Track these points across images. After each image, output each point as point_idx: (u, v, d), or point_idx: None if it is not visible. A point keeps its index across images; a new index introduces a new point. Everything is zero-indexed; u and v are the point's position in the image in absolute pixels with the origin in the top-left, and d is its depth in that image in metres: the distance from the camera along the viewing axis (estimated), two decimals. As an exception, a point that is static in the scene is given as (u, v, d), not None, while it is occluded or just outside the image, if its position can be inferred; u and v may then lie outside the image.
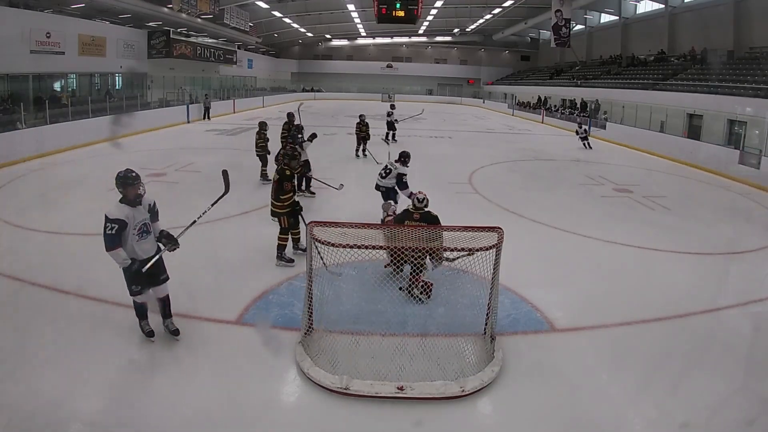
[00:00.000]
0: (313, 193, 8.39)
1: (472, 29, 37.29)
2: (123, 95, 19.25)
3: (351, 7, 30.26)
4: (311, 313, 3.74)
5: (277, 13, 30.89)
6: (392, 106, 15.95)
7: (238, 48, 31.34)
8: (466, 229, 3.65)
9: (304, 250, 4.23)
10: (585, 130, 16.70)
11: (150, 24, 23.32)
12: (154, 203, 3.73)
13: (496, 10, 30.55)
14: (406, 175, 6.54)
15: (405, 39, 42.16)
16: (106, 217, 3.47)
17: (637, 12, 26.12)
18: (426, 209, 4.75)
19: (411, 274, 4.43)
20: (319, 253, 4.19)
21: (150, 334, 3.83)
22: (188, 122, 19.41)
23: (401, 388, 3.30)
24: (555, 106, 26.89)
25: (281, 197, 5.29)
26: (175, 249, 3.72)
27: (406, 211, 4.87)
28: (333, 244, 3.59)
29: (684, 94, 17.04)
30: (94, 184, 8.89)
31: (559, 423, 3.17)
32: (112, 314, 4.20)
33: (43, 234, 6.19)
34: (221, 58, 28.23)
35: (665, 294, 4.99)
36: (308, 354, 3.62)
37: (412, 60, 44.31)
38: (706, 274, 5.75)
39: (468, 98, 39.56)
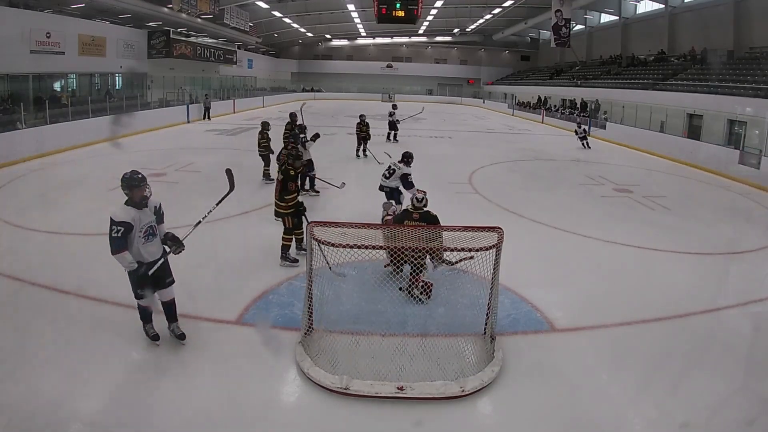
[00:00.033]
0: (318, 192, 8.44)
1: (472, 29, 37.29)
2: (123, 95, 19.25)
3: (351, 7, 30.26)
4: (311, 313, 3.74)
5: (277, 13, 30.90)
6: (394, 106, 15.96)
7: (238, 48, 31.34)
8: (466, 229, 3.64)
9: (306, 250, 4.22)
10: (584, 129, 16.72)
11: (150, 24, 23.32)
12: (160, 205, 3.68)
13: (496, 10, 30.55)
14: (410, 174, 6.56)
15: (405, 39, 42.17)
16: (111, 219, 3.41)
17: (637, 12, 26.12)
18: (425, 209, 4.76)
19: (411, 274, 4.43)
20: (323, 254, 4.20)
21: (155, 337, 3.78)
22: (188, 122, 19.41)
23: (401, 388, 3.30)
24: (555, 106, 26.90)
25: (285, 197, 5.29)
26: (180, 251, 3.69)
27: (405, 210, 4.88)
28: (333, 244, 3.59)
29: (684, 94, 17.04)
30: (94, 184, 8.89)
31: (559, 423, 3.17)
32: (112, 314, 4.20)
33: (43, 234, 6.19)
34: (221, 58, 28.23)
35: (665, 294, 4.99)
36: (308, 354, 3.62)
37: (412, 60, 44.31)
38: (706, 274, 5.75)
39: (468, 98, 39.57)
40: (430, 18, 32.66)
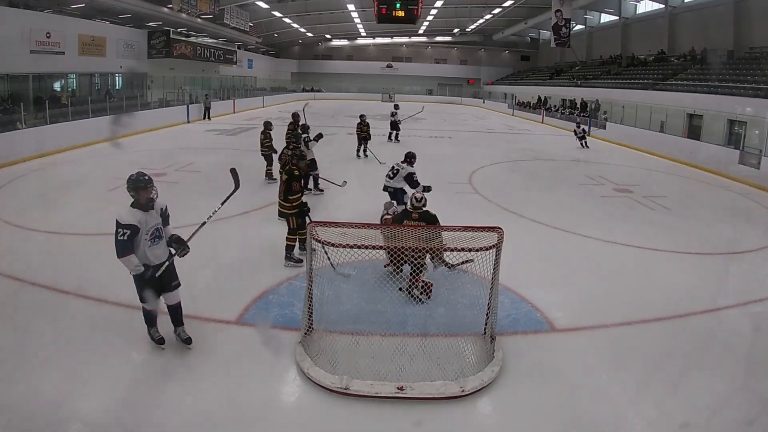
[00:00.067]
0: (322, 190, 8.50)
1: (472, 29, 37.29)
2: (123, 95, 19.25)
3: (351, 7, 30.25)
4: (311, 313, 3.74)
5: (277, 13, 30.89)
6: (396, 106, 15.96)
7: (238, 48, 31.34)
8: (466, 229, 3.65)
9: (313, 250, 4.22)
10: (583, 129, 16.76)
11: (150, 24, 23.32)
12: (166, 207, 3.62)
13: (496, 10, 30.55)
14: (415, 173, 6.57)
15: (405, 39, 42.16)
16: (117, 222, 3.35)
17: (637, 12, 26.12)
18: (424, 208, 4.77)
19: (411, 274, 4.43)
20: (327, 254, 4.19)
21: (160, 341, 3.73)
22: (188, 122, 19.41)
23: (401, 388, 3.30)
24: (555, 106, 26.90)
25: (290, 197, 5.29)
26: (185, 254, 3.63)
27: (405, 210, 4.90)
28: (333, 244, 3.59)
29: (684, 94, 17.04)
30: (94, 184, 8.90)
31: (559, 423, 3.17)
32: (112, 314, 4.20)
33: (43, 234, 6.19)
34: (221, 58, 28.23)
35: (665, 294, 4.99)
36: (308, 354, 3.62)
37: (412, 60, 44.31)
38: (706, 274, 5.75)
39: (468, 98, 39.56)
40: (430, 18, 32.65)
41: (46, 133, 11.73)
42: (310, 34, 39.18)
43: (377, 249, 3.68)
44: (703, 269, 5.89)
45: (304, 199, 5.46)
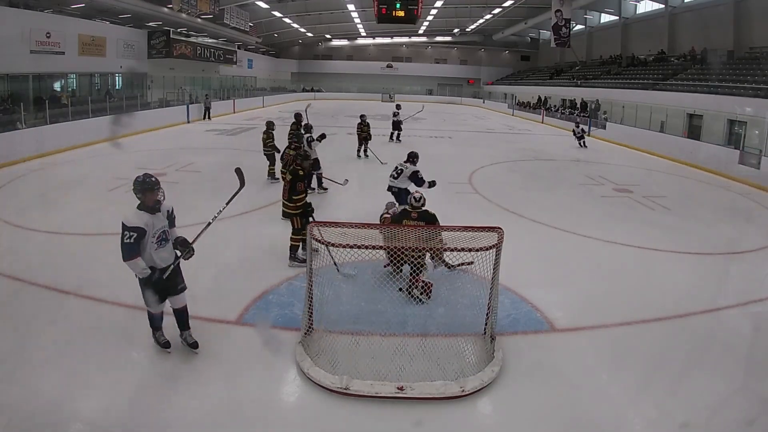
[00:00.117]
0: (326, 189, 8.55)
1: (472, 29, 37.29)
2: (123, 95, 19.25)
3: (351, 7, 30.26)
4: (311, 313, 3.74)
5: (277, 13, 30.90)
6: (398, 106, 15.97)
7: (238, 48, 31.34)
8: (466, 229, 3.65)
9: (316, 251, 4.23)
10: (582, 129, 16.78)
11: (150, 24, 23.32)
12: (172, 209, 3.57)
13: (496, 10, 30.55)
14: (419, 170, 6.62)
15: (405, 39, 42.17)
16: (123, 225, 3.29)
17: (637, 12, 26.12)
18: (423, 208, 4.79)
19: (411, 274, 4.43)
20: (331, 255, 4.19)
21: (166, 345, 3.68)
22: (188, 122, 19.42)
23: (401, 388, 3.30)
24: (555, 106, 26.90)
25: (294, 198, 5.28)
26: (190, 257, 3.58)
27: (404, 210, 4.92)
28: (333, 244, 3.60)
29: (684, 94, 17.04)
30: (94, 184, 8.90)
31: (559, 423, 3.17)
32: (112, 314, 4.20)
33: (43, 234, 6.19)
34: (221, 58, 28.23)
35: (665, 294, 4.99)
36: (308, 354, 3.62)
37: (412, 60, 44.32)
38: (706, 274, 5.75)
39: (468, 98, 39.58)
40: (430, 18, 32.66)
41: (46, 133, 11.73)
42: (310, 34, 39.19)
43: (377, 249, 3.68)
44: (703, 269, 5.89)
45: (308, 199, 5.46)
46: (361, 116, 12.24)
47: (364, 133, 12.17)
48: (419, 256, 4.17)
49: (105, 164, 10.69)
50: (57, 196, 7.98)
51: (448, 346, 3.70)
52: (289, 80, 41.50)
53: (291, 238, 5.37)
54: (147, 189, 3.37)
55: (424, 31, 38.21)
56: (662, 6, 23.07)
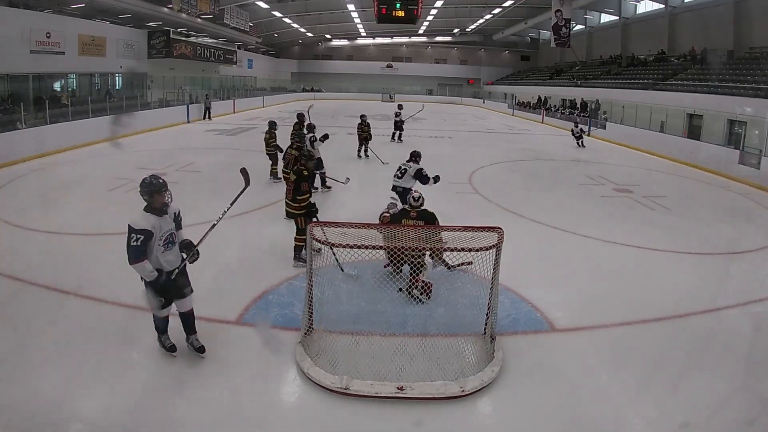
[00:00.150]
0: (329, 187, 8.62)
1: (472, 29, 37.29)
2: (123, 95, 19.25)
3: (351, 7, 30.26)
4: (311, 313, 3.74)
5: (277, 13, 30.90)
6: (400, 106, 15.98)
7: (238, 48, 31.34)
8: (466, 229, 3.65)
9: (318, 251, 4.23)
10: (581, 129, 16.80)
11: (150, 24, 23.32)
12: (179, 211, 3.53)
13: (496, 10, 30.55)
14: (423, 168, 6.68)
15: (405, 39, 42.16)
16: (129, 227, 3.23)
17: (637, 12, 26.12)
18: (422, 207, 4.81)
19: (410, 274, 4.44)
20: (335, 256, 4.18)
21: (172, 348, 3.64)
22: (188, 122, 19.42)
23: (401, 388, 3.30)
24: (555, 106, 26.90)
25: (298, 198, 5.28)
26: (195, 260, 3.53)
27: (403, 209, 4.95)
28: (333, 244, 3.60)
29: (684, 94, 17.04)
30: (94, 184, 8.89)
31: (559, 423, 3.17)
32: (112, 314, 4.20)
33: (43, 234, 6.19)
34: (221, 58, 28.23)
35: (665, 294, 4.99)
36: (308, 354, 3.62)
37: (412, 60, 44.31)
38: (706, 274, 5.75)
39: (468, 98, 39.58)
40: (430, 18, 32.65)
41: (46, 133, 11.73)
42: (310, 34, 39.19)
43: (377, 249, 3.68)
44: (703, 269, 5.89)
45: (312, 199, 5.46)
46: (362, 116, 12.24)
47: (364, 134, 12.17)
48: (419, 256, 4.17)
49: (105, 164, 10.69)
50: (57, 196, 7.98)
51: (448, 346, 3.70)
52: (289, 80, 41.49)
53: (295, 238, 5.36)
54: (155, 190, 3.31)
55: (424, 31, 38.21)
56: (662, 6, 23.07)
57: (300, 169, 5.36)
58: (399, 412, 3.20)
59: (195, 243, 3.55)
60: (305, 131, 8.90)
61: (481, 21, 33.98)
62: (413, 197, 4.87)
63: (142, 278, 3.39)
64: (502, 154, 14.38)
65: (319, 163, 8.26)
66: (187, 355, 3.68)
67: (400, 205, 6.28)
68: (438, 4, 28.14)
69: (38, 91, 16.01)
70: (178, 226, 3.54)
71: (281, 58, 42.55)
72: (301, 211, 5.30)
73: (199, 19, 24.64)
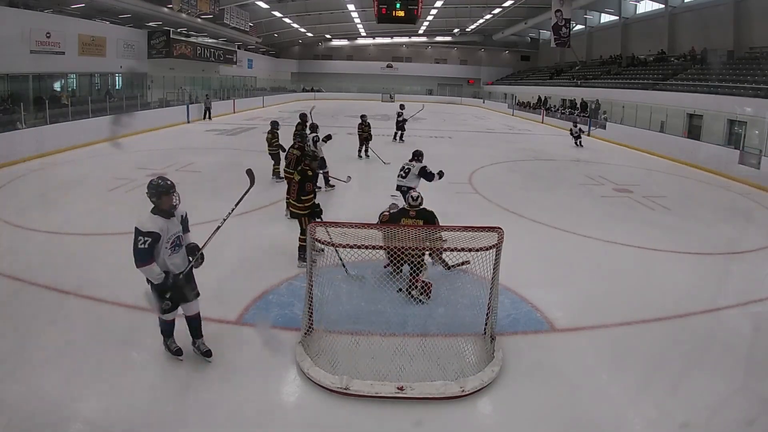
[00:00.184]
0: (333, 186, 8.69)
1: (472, 29, 37.29)
2: (123, 95, 19.25)
3: (351, 7, 30.26)
4: (311, 313, 3.74)
5: (277, 13, 30.90)
6: (402, 106, 15.99)
7: (238, 48, 31.34)
8: (466, 229, 3.65)
9: (321, 251, 4.22)
10: (579, 129, 16.82)
11: (150, 24, 23.32)
12: (186, 214, 3.47)
13: (496, 10, 30.56)
14: (426, 165, 6.72)
15: (405, 39, 42.17)
16: (136, 229, 3.17)
17: (637, 12, 26.12)
18: (421, 206, 4.81)
19: (410, 273, 4.44)
20: (339, 257, 4.16)
21: (178, 352, 3.58)
22: (188, 122, 19.42)
23: (401, 388, 3.30)
24: (555, 106, 26.90)
25: (303, 198, 5.28)
26: (200, 264, 3.49)
27: (402, 209, 4.96)
28: (333, 244, 3.60)
29: (684, 94, 17.04)
30: (94, 184, 8.89)
31: (559, 423, 3.17)
32: (112, 314, 4.20)
33: (43, 234, 6.19)
34: (221, 58, 28.24)
35: (665, 294, 4.99)
36: (308, 354, 3.62)
37: (412, 60, 44.32)
38: (706, 274, 5.75)
39: (468, 98, 39.57)
40: (430, 18, 32.66)
41: (46, 133, 11.73)
42: (310, 34, 39.19)
43: (377, 249, 3.68)
44: (703, 269, 5.89)
45: (316, 200, 5.46)
46: (362, 116, 12.24)
47: (365, 134, 12.17)
48: (418, 256, 4.17)
49: (105, 164, 10.70)
50: (57, 196, 7.98)
51: (448, 346, 3.70)
52: (289, 80, 41.50)
53: (299, 238, 5.36)
54: (163, 192, 3.25)
55: (424, 31, 38.21)
56: (662, 6, 23.08)
57: (305, 170, 5.36)
58: (399, 412, 3.20)
59: (200, 246, 3.49)
60: (308, 131, 8.93)
61: (481, 21, 33.99)
62: (412, 196, 4.88)
63: (148, 280, 3.35)
64: (502, 154, 14.37)
65: (323, 163, 8.30)
66: (187, 356, 3.68)
67: (402, 205, 6.29)
68: (438, 4, 28.14)
69: (38, 91, 16.01)
70: (186, 229, 3.49)
71: (281, 58, 42.56)
72: (305, 212, 5.31)
73: (199, 19, 24.64)
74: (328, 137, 8.70)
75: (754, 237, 7.12)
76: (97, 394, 3.26)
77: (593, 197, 9.40)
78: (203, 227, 3.92)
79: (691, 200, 9.82)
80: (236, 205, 3.71)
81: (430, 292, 4.51)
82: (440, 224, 4.68)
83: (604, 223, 7.47)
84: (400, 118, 15.14)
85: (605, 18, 29.30)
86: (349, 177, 7.93)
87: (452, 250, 3.66)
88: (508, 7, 28.93)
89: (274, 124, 9.42)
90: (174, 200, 3.29)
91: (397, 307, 4.24)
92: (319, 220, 5.16)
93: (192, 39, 24.73)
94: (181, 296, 3.43)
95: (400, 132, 15.20)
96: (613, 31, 28.10)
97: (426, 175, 6.67)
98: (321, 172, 8.20)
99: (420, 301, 4.46)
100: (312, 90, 39.22)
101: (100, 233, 6.19)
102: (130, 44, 21.05)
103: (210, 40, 27.17)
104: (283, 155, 8.68)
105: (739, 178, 11.46)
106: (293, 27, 35.46)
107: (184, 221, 3.47)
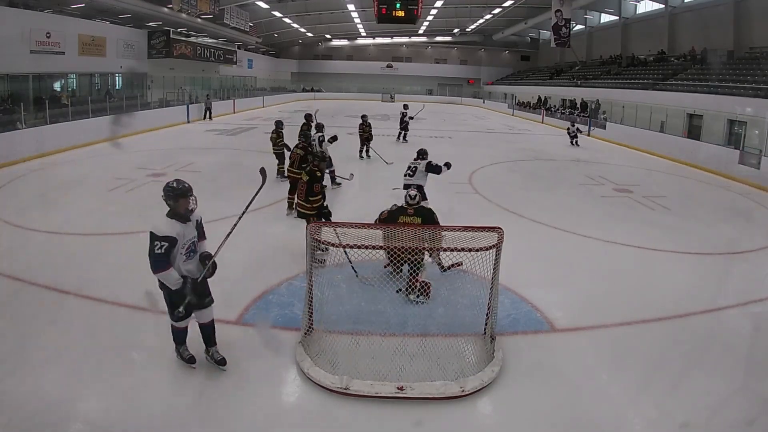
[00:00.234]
0: (339, 184, 8.79)
1: (472, 29, 37.29)
2: (123, 95, 19.26)
3: (351, 7, 30.26)
4: (311, 313, 3.74)
5: (277, 13, 30.90)
6: (405, 106, 16.00)
7: (238, 48, 31.35)
8: (466, 229, 3.65)
9: (325, 250, 4.22)
10: (577, 129, 16.84)
11: (150, 24, 23.33)
12: (201, 219, 3.39)
13: (496, 10, 30.55)
14: (431, 160, 6.78)
15: (405, 39, 42.16)
16: (152, 234, 3.06)
17: (637, 12, 26.13)
18: (419, 205, 4.81)
19: (409, 273, 4.43)
20: (348, 259, 4.15)
21: (191, 360, 3.48)
22: (188, 122, 19.42)
23: (401, 388, 3.30)
24: (555, 106, 26.90)
25: (311, 198, 5.29)
26: (213, 274, 3.37)
27: (400, 207, 4.95)
28: (333, 244, 3.60)
29: (684, 94, 17.04)
30: (94, 184, 8.89)
31: (559, 423, 3.17)
32: (112, 314, 4.20)
33: (43, 234, 6.19)
34: (221, 58, 28.24)
35: (665, 294, 4.98)
36: (308, 354, 3.62)
37: (412, 60, 44.31)
38: (706, 274, 5.75)
39: (468, 98, 39.57)
40: (430, 18, 32.65)
41: (46, 133, 11.73)
42: (310, 34, 39.19)
43: (377, 249, 3.68)
44: (703, 269, 5.89)
45: (325, 202, 5.47)
46: (363, 116, 12.22)
47: (365, 134, 12.15)
48: (417, 254, 4.17)
49: (105, 164, 10.70)
50: (57, 196, 7.98)
51: (448, 346, 3.70)
52: (289, 80, 41.49)
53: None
54: (179, 195, 3.15)
55: (424, 31, 38.21)
56: (662, 6, 23.08)
57: (313, 170, 5.37)
58: (399, 412, 3.19)
59: (212, 255, 3.39)
60: (314, 131, 8.95)
61: (481, 21, 33.99)
62: (409, 195, 4.85)
63: (162, 286, 3.25)
64: (502, 154, 14.37)
65: (329, 162, 8.34)
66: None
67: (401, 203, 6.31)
68: (438, 4, 28.13)
69: (38, 91, 16.02)
70: (201, 236, 3.39)
71: (281, 58, 42.56)
72: (313, 212, 5.32)
73: (199, 19, 24.64)
74: (334, 138, 8.73)
75: (754, 237, 7.11)
76: (97, 394, 3.26)
77: (593, 197, 9.40)
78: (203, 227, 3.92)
79: (691, 200, 9.82)
80: (246, 208, 3.64)
81: (430, 291, 4.51)
82: (440, 223, 4.68)
83: (604, 223, 7.47)
84: (405, 118, 15.15)
85: (605, 18, 29.30)
86: (352, 174, 7.95)
87: (453, 250, 3.66)
88: (508, 7, 28.93)
89: (279, 124, 9.45)
90: (191, 204, 3.20)
91: (397, 307, 4.24)
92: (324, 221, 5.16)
93: (192, 39, 24.73)
94: (196, 303, 3.34)
95: (403, 132, 15.21)
96: (613, 31, 28.10)
97: (433, 168, 6.72)
98: (327, 171, 8.24)
99: (419, 301, 4.46)
100: (312, 90, 39.21)
101: (100, 233, 6.19)
102: (130, 44, 21.05)
103: (210, 40, 27.17)
104: (288, 154, 8.71)
105: (739, 178, 11.46)
106: (293, 27, 35.45)
107: (199, 226, 3.38)
